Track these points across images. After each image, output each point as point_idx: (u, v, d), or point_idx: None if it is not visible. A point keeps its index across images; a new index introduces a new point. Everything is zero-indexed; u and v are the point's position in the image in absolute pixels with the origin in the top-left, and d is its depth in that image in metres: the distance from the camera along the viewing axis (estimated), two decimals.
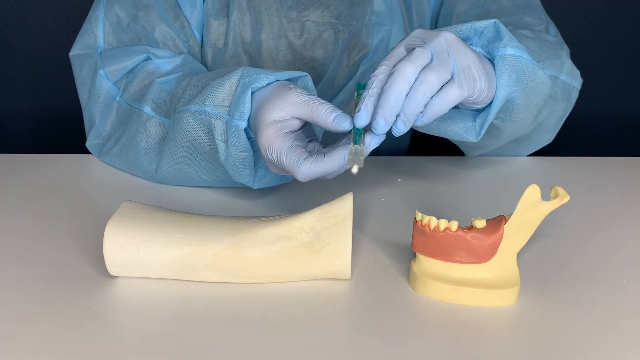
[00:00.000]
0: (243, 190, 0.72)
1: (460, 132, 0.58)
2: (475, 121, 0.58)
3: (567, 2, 1.31)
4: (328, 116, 0.53)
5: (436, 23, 0.89)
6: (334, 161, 0.52)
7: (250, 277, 0.54)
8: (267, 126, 0.55)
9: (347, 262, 0.54)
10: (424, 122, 0.53)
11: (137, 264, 0.53)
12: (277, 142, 0.54)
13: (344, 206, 0.53)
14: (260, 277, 0.54)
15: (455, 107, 0.59)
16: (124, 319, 0.50)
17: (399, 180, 0.77)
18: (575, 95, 0.76)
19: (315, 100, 0.54)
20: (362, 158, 0.50)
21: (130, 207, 0.56)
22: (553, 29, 0.82)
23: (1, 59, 1.25)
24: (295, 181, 0.75)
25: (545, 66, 0.65)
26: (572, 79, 0.73)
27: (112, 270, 0.53)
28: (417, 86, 0.51)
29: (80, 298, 0.52)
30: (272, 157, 0.55)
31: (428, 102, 0.52)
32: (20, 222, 0.65)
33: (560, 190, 0.52)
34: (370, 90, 0.52)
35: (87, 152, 0.81)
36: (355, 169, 0.50)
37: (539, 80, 0.60)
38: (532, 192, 0.51)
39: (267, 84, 0.58)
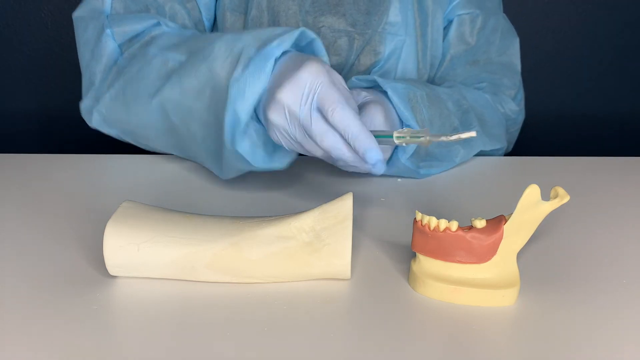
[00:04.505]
0: (243, 190, 0.72)
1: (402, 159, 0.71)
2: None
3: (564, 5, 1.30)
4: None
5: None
6: (365, 140, 0.55)
7: (250, 277, 0.54)
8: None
9: (347, 262, 0.54)
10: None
11: (137, 264, 0.53)
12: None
13: (344, 206, 0.54)
14: (260, 277, 0.54)
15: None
16: (124, 319, 0.50)
17: (399, 180, 0.77)
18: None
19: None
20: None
21: (130, 207, 0.56)
22: (520, 95, 0.93)
23: (1, 59, 1.25)
24: (295, 181, 0.75)
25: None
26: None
27: (112, 270, 0.53)
28: None
29: (80, 298, 0.52)
30: (307, 91, 0.56)
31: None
32: (20, 222, 0.65)
33: (560, 190, 0.52)
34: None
35: (87, 152, 0.81)
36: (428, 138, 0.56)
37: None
38: (532, 192, 0.51)
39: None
